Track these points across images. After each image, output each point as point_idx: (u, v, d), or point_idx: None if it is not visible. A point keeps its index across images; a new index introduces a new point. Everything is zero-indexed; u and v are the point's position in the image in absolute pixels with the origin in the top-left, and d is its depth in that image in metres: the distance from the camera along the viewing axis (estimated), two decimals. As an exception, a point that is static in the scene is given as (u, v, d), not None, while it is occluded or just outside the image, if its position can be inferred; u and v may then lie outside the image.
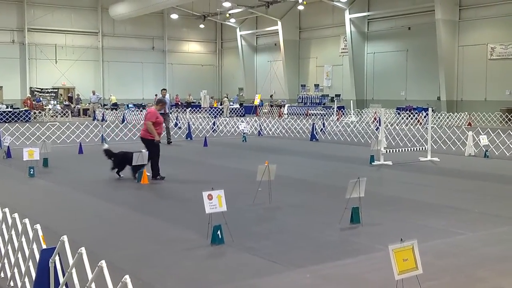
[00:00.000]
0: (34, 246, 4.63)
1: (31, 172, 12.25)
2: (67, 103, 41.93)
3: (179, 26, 52.03)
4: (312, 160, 15.67)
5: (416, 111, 31.63)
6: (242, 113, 40.66)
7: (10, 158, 15.60)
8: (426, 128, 16.71)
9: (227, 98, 43.11)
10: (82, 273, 3.86)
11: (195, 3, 44.56)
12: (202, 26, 50.00)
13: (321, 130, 24.20)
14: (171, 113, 35.17)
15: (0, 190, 10.79)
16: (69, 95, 44.60)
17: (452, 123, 29.48)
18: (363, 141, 20.01)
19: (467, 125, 29.01)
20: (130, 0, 44.14)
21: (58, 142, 19.62)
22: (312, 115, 37.30)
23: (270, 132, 24.83)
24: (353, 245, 6.84)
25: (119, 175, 12.14)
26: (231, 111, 40.44)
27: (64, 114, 37.50)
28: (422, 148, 15.76)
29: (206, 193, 6.70)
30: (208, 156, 16.54)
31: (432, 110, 17.25)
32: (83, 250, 3.76)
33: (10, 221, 5.22)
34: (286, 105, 42.32)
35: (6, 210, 5.48)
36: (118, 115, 34.94)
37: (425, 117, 27.07)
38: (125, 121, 31.34)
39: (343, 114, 35.61)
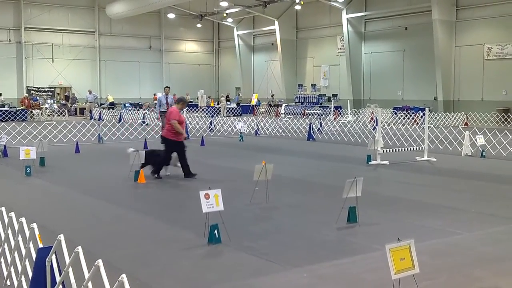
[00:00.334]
0: (31, 245, 4.62)
1: (28, 171, 12.23)
2: (64, 102, 41.86)
3: (176, 26, 52.01)
4: (309, 159, 15.68)
5: (413, 111, 31.68)
6: (239, 113, 40.65)
7: (7, 157, 15.57)
8: (423, 128, 16.74)
9: (228, 98, 43.10)
10: (79, 272, 3.86)
11: (192, 2, 44.50)
12: (199, 25, 49.98)
13: (318, 130, 24.21)
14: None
15: (-4, 189, 10.77)
16: (66, 94, 44.53)
17: (449, 123, 29.53)
18: (360, 141, 20.03)
19: (464, 125, 29.07)
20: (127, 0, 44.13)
21: (55, 141, 19.58)
22: (309, 114, 37.33)
23: (267, 132, 24.83)
24: (350, 244, 6.84)
25: (156, 174, 12.10)
26: (228, 111, 40.43)
27: (61, 113, 37.43)
28: (419, 148, 15.78)
29: (203, 193, 6.69)
30: (205, 156, 16.53)
31: (429, 110, 17.28)
32: (79, 249, 3.75)
33: (6, 220, 5.20)
34: (283, 105, 42.33)
35: (3, 209, 5.47)
36: (115, 114, 34.90)
37: (422, 117, 27.11)
38: (122, 121, 31.33)
39: (340, 113, 35.65)
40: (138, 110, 36.89)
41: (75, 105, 41.00)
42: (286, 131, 24.26)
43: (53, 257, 4.09)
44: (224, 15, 44.87)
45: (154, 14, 50.45)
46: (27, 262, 4.70)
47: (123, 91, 48.75)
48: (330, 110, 36.23)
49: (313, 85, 42.50)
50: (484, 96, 33.60)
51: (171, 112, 11.88)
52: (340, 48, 42.46)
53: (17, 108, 35.46)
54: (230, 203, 8.20)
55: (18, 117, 33.63)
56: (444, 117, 30.08)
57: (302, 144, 20.10)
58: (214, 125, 25.97)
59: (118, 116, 32.91)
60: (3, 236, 5.30)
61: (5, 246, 5.26)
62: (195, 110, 41.20)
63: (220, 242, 6.73)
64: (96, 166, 14.30)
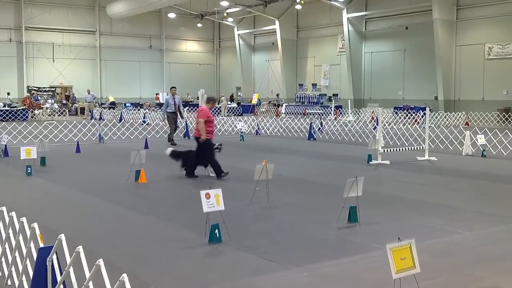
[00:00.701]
0: (32, 244, 4.63)
1: (29, 171, 12.24)
2: (64, 102, 41.87)
3: (177, 25, 52.00)
4: (309, 159, 15.68)
5: (414, 110, 31.66)
6: (239, 112, 40.65)
7: (8, 156, 15.58)
8: (424, 127, 16.73)
9: (233, 97, 43.02)
10: (80, 271, 3.86)
11: (192, 2, 44.52)
12: (199, 25, 49.97)
13: (318, 130, 24.21)
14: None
15: (-3, 189, 10.78)
16: (66, 93, 44.56)
17: (450, 123, 29.52)
18: (360, 140, 20.03)
19: (465, 125, 29.05)
20: (128, -1, 44.11)
21: (56, 141, 19.59)
22: (310, 114, 37.32)
23: (267, 132, 24.83)
24: (351, 244, 6.85)
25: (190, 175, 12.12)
26: (228, 110, 40.42)
27: (62, 113, 37.44)
28: (420, 148, 15.78)
29: (204, 192, 6.70)
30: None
31: (430, 110, 17.28)
32: (80, 248, 3.75)
33: (7, 219, 5.21)
34: (284, 104, 42.34)
35: (4, 208, 5.48)
36: (116, 114, 34.91)
37: (422, 116, 27.10)
38: (123, 120, 31.34)
39: (341, 113, 35.64)
40: (138, 109, 36.90)
41: (76, 104, 41.02)
42: (287, 130, 24.26)
43: (54, 256, 4.09)
44: (225, 14, 44.85)
45: (154, 13, 50.45)
46: (28, 262, 4.70)
47: (123, 90, 48.76)
48: (331, 110, 36.22)
49: (314, 85, 42.49)
50: (485, 96, 33.58)
51: (200, 111, 11.91)
52: (340, 48, 42.45)
53: (18, 108, 35.47)
54: (231, 202, 8.20)
55: (19, 117, 33.63)
56: (445, 117, 30.06)
57: (303, 144, 20.10)
58: (215, 125, 25.94)
59: (119, 116, 32.91)
60: (4, 235, 5.30)
61: (6, 245, 5.27)
62: (195, 110, 41.12)
63: (221, 241, 6.73)
64: (97, 166, 14.31)
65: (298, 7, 40.80)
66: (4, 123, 27.87)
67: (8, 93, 41.20)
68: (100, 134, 20.36)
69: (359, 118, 33.57)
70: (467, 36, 34.22)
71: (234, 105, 42.58)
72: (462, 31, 34.46)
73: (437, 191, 10.69)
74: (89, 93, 39.34)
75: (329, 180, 12.03)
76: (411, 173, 12.97)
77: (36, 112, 35.61)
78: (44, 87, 45.04)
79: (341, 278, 5.61)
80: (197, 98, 45.99)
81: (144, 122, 29.23)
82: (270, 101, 44.72)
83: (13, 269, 5.09)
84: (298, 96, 42.53)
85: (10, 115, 33.59)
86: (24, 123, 22.94)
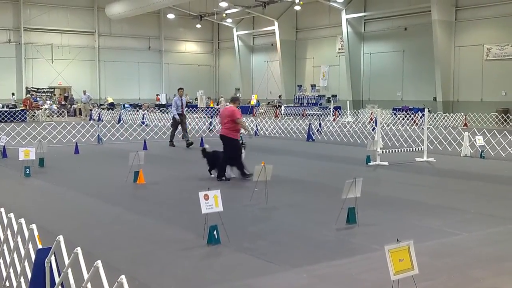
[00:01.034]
0: (30, 246, 4.62)
1: (27, 172, 12.22)
2: (63, 103, 41.86)
3: (176, 26, 52.01)
4: (308, 160, 15.68)
5: (412, 111, 31.69)
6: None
7: (6, 157, 15.56)
8: (422, 128, 16.74)
9: (230, 97, 42.93)
10: (78, 273, 3.85)
11: (191, 3, 44.52)
12: (198, 26, 50.00)
13: (317, 131, 24.21)
14: (167, 113, 35.18)
15: (-5, 190, 10.76)
16: (65, 94, 44.55)
17: (448, 124, 29.54)
18: (359, 141, 20.03)
19: (463, 126, 29.08)
20: (127, 0, 44.09)
21: (54, 142, 19.58)
22: (309, 115, 37.33)
23: (266, 133, 24.82)
24: (349, 245, 6.85)
25: (210, 173, 12.15)
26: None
27: (60, 114, 37.43)
28: (418, 149, 15.79)
29: (202, 193, 6.69)
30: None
31: (428, 111, 17.28)
32: (79, 250, 3.75)
33: (5, 221, 5.20)
34: (283, 105, 42.34)
35: (2, 210, 5.47)
36: (115, 115, 34.90)
37: (421, 117, 27.12)
38: (121, 121, 31.32)
39: (340, 114, 35.65)
40: (137, 110, 36.89)
41: (74, 105, 41.02)
42: (286, 131, 24.26)
43: (52, 258, 4.09)
44: (224, 15, 44.87)
45: (153, 14, 50.46)
46: (26, 263, 4.69)
47: (122, 91, 48.76)
48: (330, 111, 36.23)
49: (313, 86, 42.51)
50: (484, 97, 33.61)
51: (234, 111, 11.88)
52: (339, 49, 42.47)
53: (17, 109, 35.47)
54: (230, 204, 8.20)
55: (17, 118, 33.61)
56: (444, 118, 30.09)
57: (302, 145, 20.10)
58: (214, 126, 25.97)
59: (118, 117, 32.89)
60: (2, 237, 5.30)
61: (4, 247, 5.26)
62: (194, 110, 41.17)
63: (220, 242, 6.73)
64: (95, 167, 14.30)
65: (297, 8, 40.83)
66: (2, 124, 27.86)
67: (13, 94, 41.37)
68: (98, 135, 20.35)
69: (358, 119, 33.58)
70: (466, 37, 34.26)
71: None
72: (461, 32, 34.50)
73: (436, 192, 10.69)
74: (84, 94, 39.27)
75: (327, 181, 12.03)
76: (410, 174, 12.98)
77: (37, 112, 35.60)
78: (43, 88, 45.01)
79: (339, 279, 5.61)
80: (195, 99, 46.04)
81: (143, 123, 29.22)
82: (269, 102, 44.72)
83: (11, 270, 5.08)
84: (297, 97, 42.56)
85: (8, 116, 33.56)
86: (23, 124, 22.93)
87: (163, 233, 7.44)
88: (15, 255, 4.96)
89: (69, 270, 3.91)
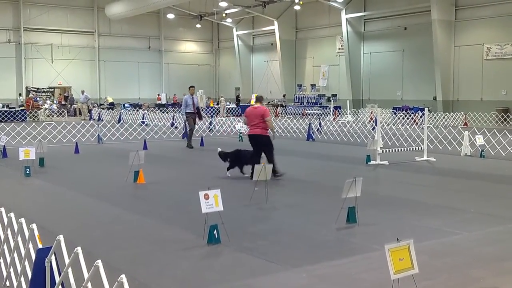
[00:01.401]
0: (30, 245, 4.62)
1: (27, 172, 12.23)
2: (63, 102, 41.86)
3: (176, 26, 51.99)
4: (308, 160, 15.68)
5: (412, 111, 31.69)
6: (238, 113, 40.64)
7: (6, 157, 15.56)
8: (422, 128, 16.75)
9: (239, 97, 42.85)
10: (78, 272, 3.86)
11: (191, 2, 44.50)
12: (198, 26, 49.98)
13: (317, 130, 24.21)
14: (167, 112, 35.20)
15: (-4, 190, 10.77)
16: (65, 94, 44.56)
17: (448, 123, 29.54)
18: (359, 141, 20.03)
19: (463, 125, 29.08)
20: (126, 0, 44.08)
21: (54, 141, 19.58)
22: (309, 115, 37.33)
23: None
24: (349, 244, 6.85)
25: (228, 172, 12.14)
26: (227, 111, 40.44)
27: (60, 114, 37.43)
28: (418, 148, 15.79)
29: (203, 193, 6.69)
30: (205, 156, 16.54)
31: (428, 110, 17.29)
32: (79, 249, 3.75)
33: (6, 220, 5.21)
34: (287, 105, 42.36)
35: (2, 209, 5.47)
36: (115, 114, 34.90)
37: (421, 117, 27.12)
38: (121, 121, 31.32)
39: (340, 114, 35.65)
40: (137, 110, 36.89)
41: (74, 105, 41.02)
42: (286, 131, 24.26)
43: (53, 257, 4.09)
44: (224, 15, 44.86)
45: (153, 14, 50.45)
46: (26, 263, 4.70)
47: (122, 91, 48.75)
48: (330, 110, 36.23)
49: (313, 85, 42.52)
50: (484, 96, 33.61)
51: (266, 110, 12.01)
52: (339, 48, 42.46)
53: (17, 109, 35.47)
54: (230, 203, 8.20)
55: (17, 118, 33.62)
56: (444, 117, 30.09)
57: (302, 144, 20.10)
58: (214, 125, 25.98)
59: (118, 117, 32.89)
60: (2, 236, 5.30)
61: (5, 246, 5.26)
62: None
63: (220, 242, 6.73)
64: (95, 167, 14.30)
65: (297, 7, 40.81)
66: (2, 123, 27.86)
67: (20, 94, 41.36)
68: (99, 135, 20.35)
69: (358, 118, 33.58)
70: (466, 36, 34.25)
71: (233, 105, 42.59)
72: (461, 32, 34.50)
73: (436, 191, 10.70)
74: (83, 93, 39.24)
75: (327, 180, 12.04)
76: (410, 173, 12.98)
77: (38, 112, 35.63)
78: (42, 88, 45.00)
79: (339, 279, 5.61)
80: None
81: (143, 123, 29.22)
82: (269, 102, 44.68)
83: (11, 270, 5.08)
84: (297, 97, 42.55)
85: (8, 116, 33.56)
86: (23, 124, 22.93)
87: (163, 233, 7.44)
88: (15, 255, 4.96)
89: (69, 270, 3.91)
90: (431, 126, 23.96)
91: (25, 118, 33.95)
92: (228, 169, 12.21)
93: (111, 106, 41.61)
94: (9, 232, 5.14)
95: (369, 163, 14.38)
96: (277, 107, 41.91)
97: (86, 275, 3.71)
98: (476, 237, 7.19)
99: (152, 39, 51.75)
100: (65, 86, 46.61)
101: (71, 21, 47.03)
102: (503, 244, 6.88)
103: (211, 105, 43.47)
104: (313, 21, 44.63)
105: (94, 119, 34.75)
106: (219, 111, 40.10)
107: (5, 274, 5.23)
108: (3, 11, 44.29)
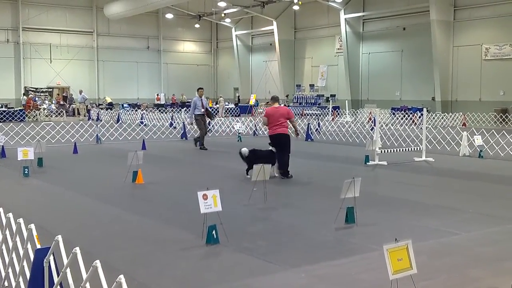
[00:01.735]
0: (29, 246, 4.62)
1: (26, 172, 12.21)
2: (62, 102, 41.84)
3: (174, 26, 51.99)
4: (307, 160, 15.68)
5: (411, 111, 31.71)
6: (237, 113, 40.66)
7: (5, 157, 15.55)
8: (421, 128, 16.75)
9: (238, 98, 42.86)
10: (77, 273, 3.85)
11: (190, 2, 44.52)
12: (197, 26, 49.98)
13: (316, 130, 24.22)
14: (166, 112, 35.18)
15: (-6, 190, 10.75)
16: (64, 94, 44.52)
17: (447, 123, 29.56)
18: (358, 141, 20.04)
19: (462, 126, 29.10)
20: (125, 0, 44.06)
21: (53, 141, 19.56)
22: (307, 115, 37.34)
23: (265, 132, 24.79)
24: (348, 245, 6.85)
25: (247, 174, 11.85)
26: (226, 111, 40.44)
27: (59, 114, 37.41)
28: (417, 148, 15.80)
29: (201, 193, 6.69)
30: (203, 156, 16.54)
31: (427, 110, 17.30)
32: (77, 250, 3.75)
33: (4, 220, 5.20)
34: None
35: (1, 209, 5.47)
36: (113, 114, 34.88)
37: (419, 117, 27.13)
38: (120, 121, 31.30)
39: (338, 114, 35.66)
40: (136, 110, 36.87)
41: (73, 105, 40.99)
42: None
43: (51, 258, 4.09)
44: (222, 15, 44.87)
45: (152, 14, 50.44)
46: (25, 263, 4.69)
47: (121, 91, 48.72)
48: (328, 111, 36.24)
49: (311, 86, 42.52)
50: (482, 97, 33.64)
51: (290, 110, 12.56)
52: (338, 49, 42.48)
53: (15, 109, 35.44)
54: (228, 203, 8.20)
55: (15, 118, 33.58)
56: (442, 118, 30.10)
57: (300, 145, 20.07)
58: (213, 126, 25.97)
59: (116, 117, 32.88)
60: (1, 237, 5.29)
61: (3, 246, 5.26)
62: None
63: (218, 242, 6.73)
64: (94, 167, 14.29)
65: (296, 7, 40.83)
66: (1, 123, 27.84)
67: (24, 94, 41.34)
68: (97, 135, 20.34)
69: (356, 119, 33.59)
70: (464, 37, 34.29)
71: (231, 106, 42.58)
72: (459, 32, 34.53)
73: (434, 192, 10.70)
74: (80, 93, 39.20)
75: (326, 181, 12.04)
76: (408, 174, 12.99)
77: (39, 112, 35.62)
78: (41, 88, 44.98)
79: (338, 279, 5.62)
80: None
81: (142, 123, 29.20)
82: (268, 102, 44.63)
83: (10, 270, 5.08)
84: (296, 97, 42.56)
85: (7, 116, 33.52)
86: (22, 124, 22.90)
87: (162, 233, 7.44)
88: (13, 255, 4.96)
89: (68, 270, 3.91)
90: (430, 126, 23.95)
91: (24, 118, 33.90)
92: (247, 170, 11.89)
93: (110, 106, 41.57)
94: (7, 232, 5.14)
95: (367, 163, 14.39)
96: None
97: (84, 275, 3.70)
98: (475, 237, 7.19)
99: (151, 39, 51.74)
100: (63, 86, 46.59)
101: (70, 21, 47.01)
102: (502, 244, 6.89)
103: (210, 105, 43.41)
104: (312, 21, 44.65)
105: (92, 119, 34.74)
106: (217, 111, 40.11)
107: (3, 274, 5.22)
108: (2, 11, 44.26)
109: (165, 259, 6.22)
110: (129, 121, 30.37)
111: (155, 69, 52.09)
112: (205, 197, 6.69)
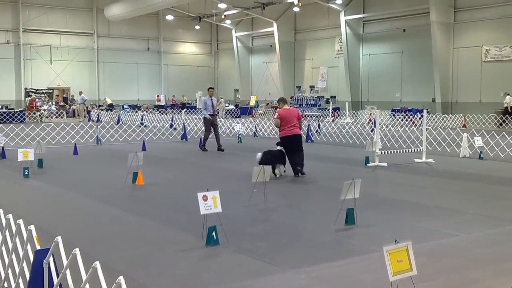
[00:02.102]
0: (28, 247, 4.62)
1: (26, 173, 12.21)
2: (62, 104, 41.86)
3: (175, 27, 52.03)
4: (307, 161, 15.64)
5: (411, 112, 31.72)
6: (237, 114, 40.66)
7: (5, 158, 15.54)
8: (421, 129, 16.76)
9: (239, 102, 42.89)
10: (76, 274, 3.85)
11: (190, 4, 44.58)
12: (197, 27, 50.04)
13: (316, 132, 24.21)
14: (166, 113, 35.19)
15: (-6, 191, 10.75)
16: (64, 95, 44.54)
17: (447, 125, 29.56)
18: (358, 142, 20.04)
19: (462, 127, 29.10)
20: (126, 1, 44.10)
21: (53, 142, 19.56)
22: (308, 116, 37.33)
23: (265, 133, 24.81)
24: (348, 246, 6.85)
25: (275, 174, 12.00)
26: (226, 112, 40.45)
27: (59, 115, 37.41)
28: (417, 150, 15.79)
29: (201, 194, 6.69)
30: (203, 157, 16.54)
31: (427, 112, 17.31)
32: (77, 251, 3.75)
33: (4, 222, 5.20)
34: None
35: (0, 210, 5.47)
36: (113, 116, 34.88)
37: (420, 118, 27.13)
38: (120, 122, 31.30)
39: (339, 115, 35.66)
40: (136, 111, 36.87)
41: (74, 106, 41.00)
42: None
43: (51, 259, 4.08)
44: (223, 16, 44.90)
45: (152, 15, 50.48)
46: (24, 264, 4.69)
47: (121, 92, 48.76)
48: (329, 112, 36.25)
49: (312, 87, 42.54)
50: (482, 98, 33.65)
51: (298, 111, 12.86)
52: (338, 50, 42.50)
53: (15, 110, 35.45)
54: (228, 204, 8.19)
55: (16, 119, 33.58)
56: (442, 119, 30.11)
57: (300, 146, 20.04)
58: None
59: (117, 118, 32.88)
60: (0, 238, 5.29)
61: (3, 248, 5.25)
62: (193, 111, 41.17)
63: (218, 243, 6.73)
64: (94, 168, 14.29)
65: (296, 9, 40.86)
66: (1, 124, 27.84)
67: (27, 95, 41.38)
68: (97, 136, 20.34)
69: (356, 120, 33.59)
70: (465, 38, 34.30)
71: (231, 107, 42.60)
72: (460, 34, 34.55)
73: (434, 193, 10.70)
74: (80, 95, 39.22)
75: (326, 182, 12.03)
76: (409, 175, 12.99)
77: (40, 113, 35.63)
78: (41, 89, 44.98)
79: (338, 280, 5.61)
80: (195, 100, 46.01)
81: (142, 124, 29.20)
82: (268, 103, 44.69)
83: (9, 271, 5.07)
84: (296, 98, 42.57)
85: (7, 117, 33.53)
86: (22, 125, 22.90)
87: (161, 234, 7.44)
88: (13, 256, 4.96)
89: (68, 271, 3.90)
90: (430, 127, 23.95)
91: (24, 119, 33.90)
92: (273, 171, 11.87)
93: (110, 107, 41.58)
94: (7, 233, 5.14)
95: (367, 164, 14.38)
96: (276, 108, 41.85)
97: (84, 276, 3.70)
98: (475, 239, 7.19)
99: (151, 41, 51.78)
100: (64, 87, 46.61)
101: (70, 22, 47.05)
102: (502, 246, 6.88)
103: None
104: (312, 23, 44.67)
105: (92, 120, 34.73)
106: (218, 113, 40.07)
107: (3, 275, 5.22)
108: (2, 12, 44.31)
109: (165, 260, 6.22)
110: (129, 122, 30.37)
111: (155, 71, 52.11)
112: (205, 198, 6.69)
